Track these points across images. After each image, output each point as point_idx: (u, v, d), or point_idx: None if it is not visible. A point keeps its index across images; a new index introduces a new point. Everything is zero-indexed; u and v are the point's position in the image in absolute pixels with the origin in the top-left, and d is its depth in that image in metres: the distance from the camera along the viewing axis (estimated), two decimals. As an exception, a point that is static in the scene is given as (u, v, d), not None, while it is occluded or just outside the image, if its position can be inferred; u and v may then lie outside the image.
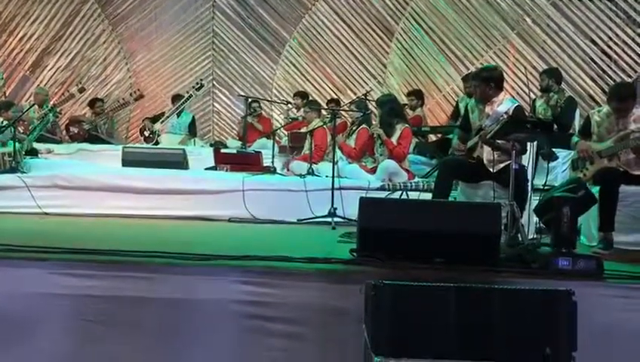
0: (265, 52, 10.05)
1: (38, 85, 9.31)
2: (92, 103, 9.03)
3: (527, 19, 8.34)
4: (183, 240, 4.18)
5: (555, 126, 6.05)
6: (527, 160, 4.50)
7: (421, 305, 2.50)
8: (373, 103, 7.83)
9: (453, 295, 2.48)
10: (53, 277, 3.11)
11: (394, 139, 5.84)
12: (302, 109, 7.31)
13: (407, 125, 5.99)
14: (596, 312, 3.01)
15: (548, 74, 6.72)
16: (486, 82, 4.52)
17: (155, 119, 8.75)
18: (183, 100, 8.69)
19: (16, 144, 5.64)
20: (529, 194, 4.38)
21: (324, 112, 7.11)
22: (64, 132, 8.77)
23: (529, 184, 4.44)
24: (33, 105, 7.72)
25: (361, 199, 3.48)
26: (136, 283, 3.16)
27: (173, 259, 3.28)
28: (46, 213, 5.19)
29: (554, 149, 5.87)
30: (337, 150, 5.96)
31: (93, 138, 8.50)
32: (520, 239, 3.92)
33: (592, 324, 2.91)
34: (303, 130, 7.09)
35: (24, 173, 5.59)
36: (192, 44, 10.20)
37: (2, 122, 6.38)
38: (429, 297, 2.51)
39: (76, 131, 8.58)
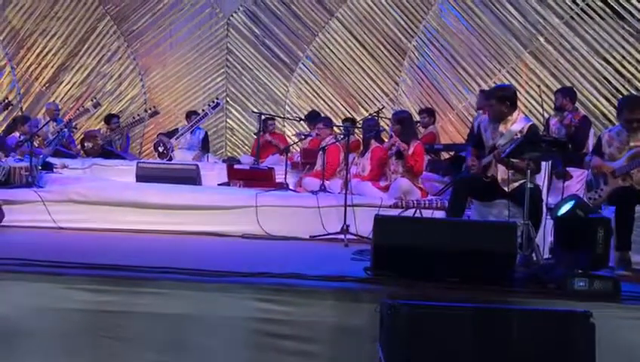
0: (278, 69, 10.13)
1: (53, 101, 9.41)
2: (108, 119, 9.13)
3: (540, 38, 8.34)
4: (196, 256, 4.19)
5: (570, 145, 6.02)
6: (541, 179, 4.49)
7: (437, 326, 2.48)
8: (386, 120, 7.85)
9: (470, 315, 2.46)
10: (67, 292, 3.11)
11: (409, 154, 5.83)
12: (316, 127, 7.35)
13: (419, 141, 6.01)
14: (614, 334, 2.97)
15: (562, 93, 6.70)
16: (501, 101, 4.52)
17: (168, 135, 8.82)
18: (198, 118, 8.77)
19: (32, 159, 5.69)
20: (544, 213, 4.35)
21: (336, 129, 7.13)
22: (79, 146, 8.85)
23: (543, 203, 4.42)
24: (49, 120, 7.82)
25: (376, 217, 3.48)
26: (149, 299, 3.17)
27: (187, 275, 3.28)
28: (61, 228, 5.22)
29: (568, 168, 5.84)
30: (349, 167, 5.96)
31: (107, 153, 8.57)
32: (535, 259, 3.89)
33: (610, 347, 2.87)
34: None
35: (40, 187, 5.64)
36: (206, 60, 10.31)
37: (19, 137, 6.45)
38: (446, 317, 2.49)
39: (91, 146, 8.65)
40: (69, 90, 9.99)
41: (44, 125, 7.18)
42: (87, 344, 3.11)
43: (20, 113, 9.16)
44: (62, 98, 9.89)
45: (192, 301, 3.17)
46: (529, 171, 3.97)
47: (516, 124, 4.54)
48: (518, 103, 4.80)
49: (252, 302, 3.13)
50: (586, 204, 3.94)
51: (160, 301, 3.16)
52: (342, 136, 6.54)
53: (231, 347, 3.11)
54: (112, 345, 3.12)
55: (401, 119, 5.91)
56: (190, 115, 9.07)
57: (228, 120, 10.42)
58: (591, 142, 6.30)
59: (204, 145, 8.94)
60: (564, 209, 3.54)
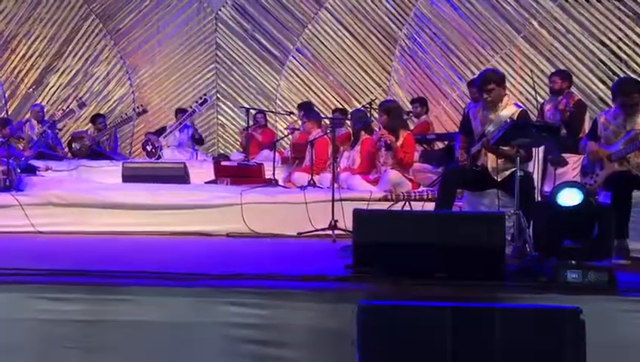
0: (268, 63, 9.94)
1: (40, 102, 9.26)
2: (94, 119, 8.98)
3: (534, 22, 8.12)
4: (175, 258, 4.04)
5: (565, 130, 5.82)
6: (534, 166, 4.32)
7: (415, 328, 2.30)
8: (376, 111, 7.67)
9: (450, 316, 2.28)
10: (29, 301, 2.94)
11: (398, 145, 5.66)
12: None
13: (409, 131, 5.82)
14: (609, 329, 2.79)
15: (561, 76, 6.48)
16: (500, 84, 4.34)
17: (156, 133, 8.67)
18: (186, 115, 8.62)
19: (10, 161, 5.53)
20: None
21: (326, 122, 6.96)
22: (66, 148, 8.70)
23: (536, 191, 4.24)
24: (27, 121, 7.66)
25: (356, 211, 3.30)
26: (119, 306, 3.00)
27: (159, 279, 3.12)
28: (40, 232, 5.06)
29: (563, 154, 5.65)
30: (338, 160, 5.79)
31: (95, 154, 8.42)
32: (527, 250, 3.72)
33: (604, 343, 2.69)
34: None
35: (20, 190, 5.48)
36: (195, 57, 10.13)
37: (-1, 140, 6.28)
38: (424, 319, 2.31)
39: (78, 147, 8.49)
40: (55, 92, 9.82)
41: (21, 126, 7.02)
42: (53, 356, 2.94)
43: (5, 115, 8.98)
44: (49, 100, 9.73)
45: (163, 307, 2.99)
46: (518, 158, 3.79)
47: (506, 110, 4.35)
48: (512, 89, 4.68)
49: (226, 306, 2.95)
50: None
51: (130, 308, 2.99)
52: (330, 129, 6.36)
53: (206, 354, 2.94)
54: (80, 356, 2.95)
55: (388, 108, 5.71)
56: (179, 112, 8.92)
57: (219, 116, 10.25)
58: (587, 127, 6.10)
59: (198, 142, 8.83)
60: (573, 198, 3.24)
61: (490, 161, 4.28)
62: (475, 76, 7.90)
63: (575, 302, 2.64)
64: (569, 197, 3.06)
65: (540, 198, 4.37)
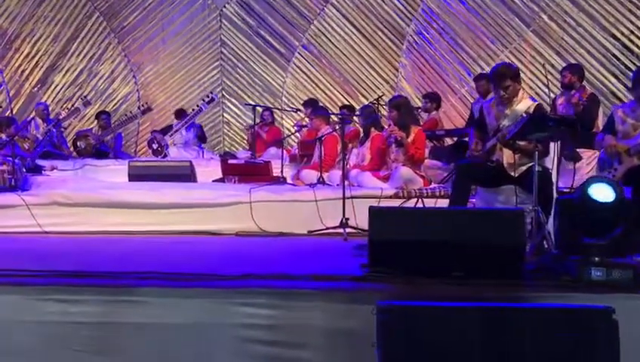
0: (274, 60, 9.87)
1: (45, 101, 9.20)
2: (98, 116, 8.92)
3: (544, 16, 8.01)
4: (183, 258, 3.94)
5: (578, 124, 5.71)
6: (550, 161, 4.20)
7: (440, 329, 2.20)
8: (385, 107, 7.58)
9: (475, 316, 2.18)
10: (36, 303, 2.86)
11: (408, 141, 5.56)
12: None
13: (419, 127, 5.72)
14: (635, 328, 2.68)
15: (571, 70, 6.37)
16: (516, 79, 4.22)
17: (162, 132, 8.60)
18: (192, 113, 8.55)
19: (16, 161, 5.45)
20: (554, 197, 4.05)
21: (333, 118, 6.87)
22: (71, 147, 8.63)
23: (554, 187, 4.13)
24: (31, 119, 7.60)
25: (372, 209, 3.20)
26: (127, 308, 2.91)
27: (168, 280, 3.03)
28: (46, 232, 4.98)
29: (577, 149, 5.54)
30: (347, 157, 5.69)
31: (100, 153, 8.35)
32: (547, 247, 3.61)
33: (630, 342, 2.58)
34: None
35: (25, 190, 5.41)
36: (200, 54, 10.07)
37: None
38: (448, 319, 2.21)
39: (83, 146, 8.42)
40: (60, 91, 9.76)
41: (26, 125, 6.95)
42: (61, 359, 2.85)
43: (9, 115, 8.92)
44: (54, 98, 9.67)
45: (172, 309, 2.90)
46: (536, 153, 3.68)
47: (521, 104, 4.23)
48: (523, 85, 4.59)
49: (236, 307, 2.86)
50: None
51: (138, 310, 2.90)
52: (339, 125, 6.26)
53: (216, 356, 2.85)
54: (88, 359, 2.87)
55: (398, 105, 5.61)
56: (179, 113, 8.87)
57: (224, 114, 10.17)
58: (601, 121, 5.99)
59: (201, 139, 8.75)
60: (605, 194, 3.08)
61: (506, 156, 4.17)
62: (483, 71, 7.82)
63: (598, 301, 2.54)
64: (601, 193, 2.94)
65: (556, 194, 4.24)
